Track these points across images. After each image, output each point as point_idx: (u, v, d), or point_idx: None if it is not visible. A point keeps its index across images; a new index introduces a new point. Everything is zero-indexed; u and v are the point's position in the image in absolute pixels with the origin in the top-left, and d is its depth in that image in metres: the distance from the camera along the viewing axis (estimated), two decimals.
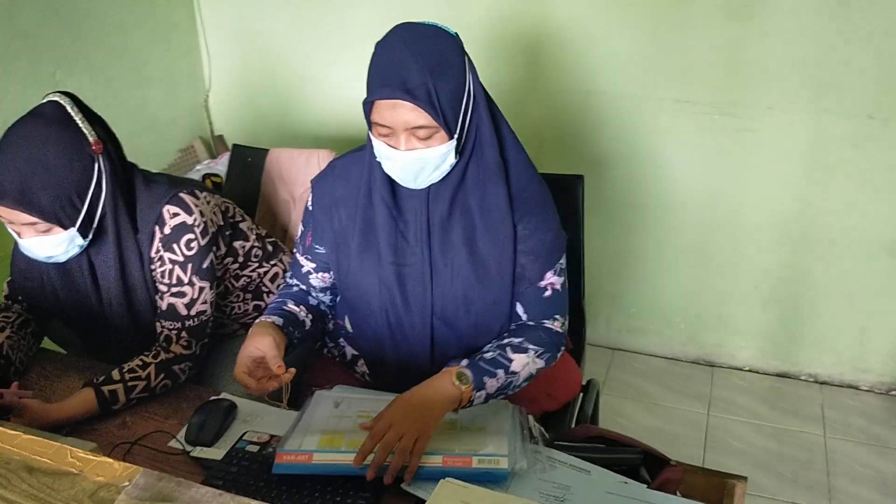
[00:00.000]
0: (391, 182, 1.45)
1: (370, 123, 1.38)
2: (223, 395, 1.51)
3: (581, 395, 1.84)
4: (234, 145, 2.15)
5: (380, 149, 1.39)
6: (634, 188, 2.66)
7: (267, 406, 1.50)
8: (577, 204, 1.87)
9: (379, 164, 1.43)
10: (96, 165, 1.44)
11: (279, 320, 1.50)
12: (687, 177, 2.59)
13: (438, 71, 1.32)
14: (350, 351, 1.68)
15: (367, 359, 1.64)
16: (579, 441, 1.45)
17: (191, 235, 1.54)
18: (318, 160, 2.01)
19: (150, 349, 1.54)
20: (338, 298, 1.66)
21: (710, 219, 2.63)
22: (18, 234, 1.43)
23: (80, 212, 1.42)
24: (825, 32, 2.26)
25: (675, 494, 1.34)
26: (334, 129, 2.93)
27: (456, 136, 1.37)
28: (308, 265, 1.60)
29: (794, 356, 2.76)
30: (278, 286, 1.80)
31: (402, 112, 1.32)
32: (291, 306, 1.57)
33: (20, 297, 1.65)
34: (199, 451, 1.38)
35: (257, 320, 1.51)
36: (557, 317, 1.54)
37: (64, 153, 1.39)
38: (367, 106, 1.36)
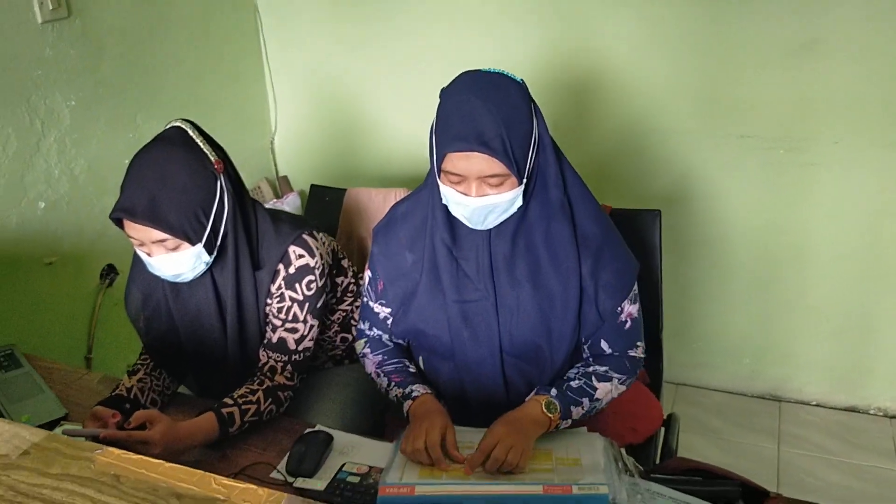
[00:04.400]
0: (451, 222, 1.48)
1: (440, 171, 1.41)
2: (318, 428, 1.54)
3: (663, 429, 1.85)
4: (312, 185, 2.21)
5: (450, 195, 1.41)
6: (698, 224, 2.67)
7: (361, 438, 1.53)
8: (654, 239, 1.90)
9: (440, 206, 1.46)
10: (218, 184, 1.50)
11: (433, 391, 1.53)
12: (751, 211, 2.60)
13: (510, 121, 1.35)
14: None
15: (446, 398, 1.66)
16: (675, 473, 1.46)
17: (311, 277, 1.59)
18: (394, 198, 2.06)
19: (251, 379, 1.58)
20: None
21: (775, 253, 2.63)
22: (148, 254, 1.48)
23: (205, 227, 1.47)
24: (891, 65, 2.28)
25: None
26: (395, 169, 2.99)
27: (524, 180, 1.40)
28: (383, 311, 1.62)
29: (863, 390, 2.72)
30: None
31: (476, 162, 1.35)
32: (410, 365, 1.60)
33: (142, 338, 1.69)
34: (301, 482, 1.40)
35: (415, 393, 1.50)
36: (638, 344, 1.58)
37: (188, 172, 1.45)
38: (441, 156, 1.39)
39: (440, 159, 1.39)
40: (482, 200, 1.38)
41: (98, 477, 0.96)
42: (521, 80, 1.45)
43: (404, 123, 2.90)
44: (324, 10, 2.89)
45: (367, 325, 1.66)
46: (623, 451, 1.47)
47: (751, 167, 2.54)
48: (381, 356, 1.61)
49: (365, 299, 1.65)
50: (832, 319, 2.65)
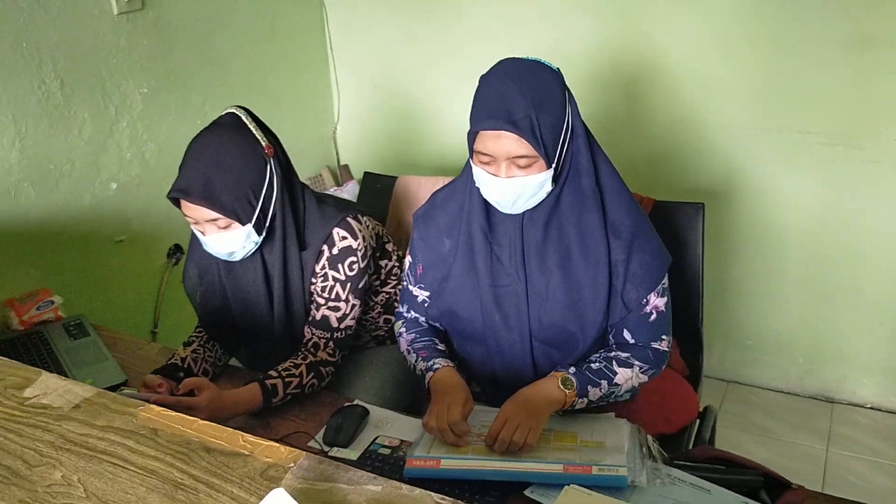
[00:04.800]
0: (487, 208, 1.53)
1: (472, 152, 1.47)
2: (356, 402, 1.61)
3: (698, 421, 1.86)
4: (366, 173, 2.29)
5: (480, 176, 1.47)
6: (752, 219, 2.65)
7: (396, 413, 1.60)
8: (697, 231, 1.90)
9: (476, 191, 1.51)
10: (268, 167, 1.59)
11: (454, 364, 1.60)
12: (807, 208, 2.56)
13: (541, 104, 1.40)
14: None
15: (477, 380, 1.71)
16: (699, 461, 1.48)
17: (354, 258, 1.67)
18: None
19: (296, 354, 1.67)
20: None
21: (831, 252, 2.59)
22: (203, 232, 1.58)
23: (254, 208, 1.56)
24: None
25: None
26: (450, 158, 3.05)
27: (553, 165, 1.44)
28: (422, 294, 1.69)
29: None
30: None
31: (506, 142, 1.40)
32: (440, 345, 1.66)
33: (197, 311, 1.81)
34: (335, 451, 1.48)
35: (436, 366, 1.56)
36: (664, 337, 1.58)
37: (241, 155, 1.55)
38: (472, 136, 1.45)
39: (472, 139, 1.45)
40: (510, 182, 1.43)
41: (138, 430, 1.06)
42: (558, 69, 1.49)
43: (460, 113, 2.93)
44: (387, 2, 2.96)
45: (405, 308, 1.73)
46: (650, 437, 1.49)
47: (807, 163, 2.50)
48: (414, 335, 1.68)
49: (405, 283, 1.72)
50: (889, 321, 2.59)
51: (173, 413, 1.09)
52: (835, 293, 2.64)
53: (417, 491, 0.95)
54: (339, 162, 3.27)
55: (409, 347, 1.66)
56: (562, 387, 1.46)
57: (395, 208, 2.20)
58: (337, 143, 3.27)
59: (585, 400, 1.49)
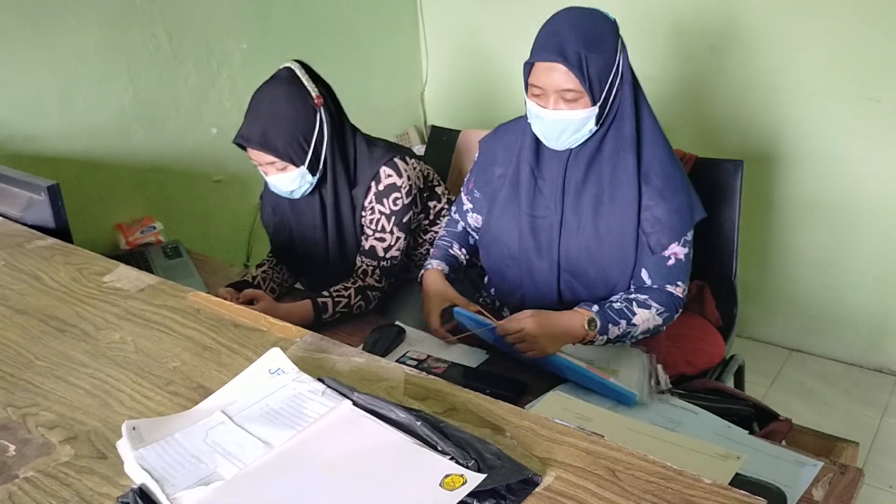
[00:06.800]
0: (537, 146, 1.69)
1: (526, 85, 1.62)
2: (396, 323, 1.81)
3: (720, 368, 1.94)
4: (433, 127, 2.48)
5: (531, 108, 1.62)
6: (821, 186, 2.66)
7: (428, 334, 1.78)
8: (735, 187, 1.97)
9: (529, 127, 1.67)
10: (318, 116, 1.80)
11: (446, 268, 1.82)
12: (875, 178, 2.55)
13: (592, 44, 1.54)
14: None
15: (507, 303, 1.87)
16: (696, 391, 1.59)
17: (398, 194, 1.87)
18: None
19: (348, 279, 1.88)
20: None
21: None
22: (265, 173, 1.82)
23: (307, 152, 1.78)
24: None
25: (781, 444, 1.45)
26: None
27: (598, 104, 1.57)
28: (468, 204, 1.88)
29: None
30: None
31: (556, 75, 1.54)
32: (456, 250, 1.88)
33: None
34: None
35: (429, 266, 1.81)
36: (679, 283, 1.68)
37: (292, 105, 1.76)
38: (528, 68, 1.60)
39: (528, 72, 1.61)
40: (556, 114, 1.57)
41: (185, 308, 1.29)
42: (615, 19, 1.62)
43: None
44: None
45: (453, 210, 1.95)
46: (660, 367, 1.61)
47: (878, 131, 2.49)
48: (444, 232, 1.93)
49: (462, 190, 1.92)
50: None
51: (214, 298, 1.32)
52: None
53: (393, 364, 1.13)
54: (425, 121, 3.47)
55: (435, 240, 1.92)
56: (587, 326, 1.58)
57: (458, 158, 2.38)
58: (424, 104, 3.47)
59: (605, 338, 1.61)
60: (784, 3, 2.51)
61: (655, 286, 1.67)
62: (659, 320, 1.66)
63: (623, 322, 1.62)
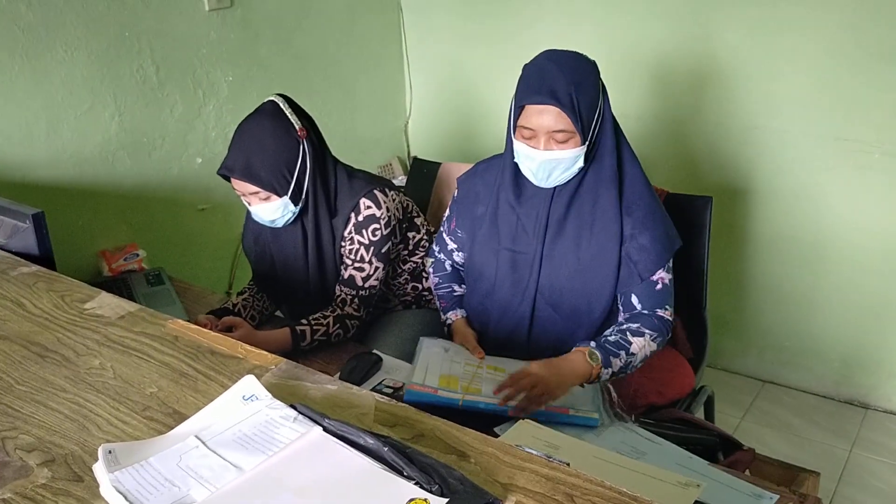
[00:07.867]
0: (517, 183, 1.74)
1: (515, 127, 1.67)
2: (373, 351, 1.85)
3: (690, 399, 1.99)
4: (415, 158, 2.54)
5: (520, 149, 1.67)
6: (794, 221, 2.72)
7: (405, 363, 1.82)
8: (704, 221, 2.04)
9: (509, 166, 1.72)
10: (301, 147, 1.84)
11: (465, 313, 1.93)
12: (844, 214, 2.62)
13: (579, 85, 1.60)
14: None
15: (475, 329, 1.92)
16: (662, 421, 1.64)
17: (377, 226, 1.91)
18: None
19: (326, 307, 1.92)
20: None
21: (868, 259, 2.63)
22: (249, 203, 1.86)
23: (290, 182, 1.83)
24: None
25: (745, 473, 1.49)
26: None
27: (587, 142, 1.63)
28: (451, 244, 1.95)
29: None
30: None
31: (547, 117, 1.60)
32: (458, 289, 1.97)
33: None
34: None
35: (451, 319, 1.93)
36: (667, 307, 1.75)
37: (276, 137, 1.81)
38: (517, 111, 1.65)
39: (517, 114, 1.66)
40: (548, 154, 1.62)
41: (164, 336, 1.33)
42: (594, 61, 1.69)
43: None
44: (460, 7, 3.20)
45: (437, 249, 2.00)
46: (611, 387, 1.67)
47: (847, 170, 2.57)
48: (437, 279, 1.99)
49: (441, 229, 1.98)
50: None
51: (193, 326, 1.35)
52: (872, 300, 2.67)
53: (364, 391, 1.17)
54: (409, 153, 3.53)
55: (433, 288, 1.99)
56: (589, 360, 1.62)
57: (438, 190, 2.43)
58: (408, 136, 3.53)
59: (610, 370, 1.64)
60: (759, 45, 2.59)
61: (646, 311, 1.73)
62: (654, 345, 1.71)
63: (622, 353, 1.66)
